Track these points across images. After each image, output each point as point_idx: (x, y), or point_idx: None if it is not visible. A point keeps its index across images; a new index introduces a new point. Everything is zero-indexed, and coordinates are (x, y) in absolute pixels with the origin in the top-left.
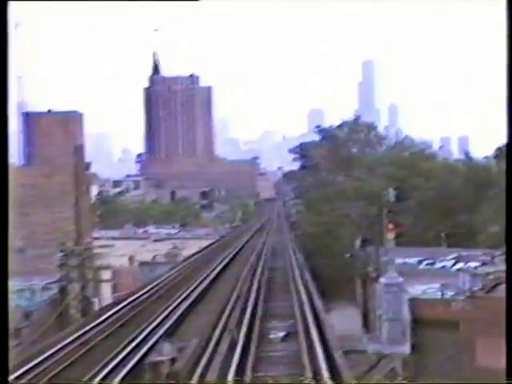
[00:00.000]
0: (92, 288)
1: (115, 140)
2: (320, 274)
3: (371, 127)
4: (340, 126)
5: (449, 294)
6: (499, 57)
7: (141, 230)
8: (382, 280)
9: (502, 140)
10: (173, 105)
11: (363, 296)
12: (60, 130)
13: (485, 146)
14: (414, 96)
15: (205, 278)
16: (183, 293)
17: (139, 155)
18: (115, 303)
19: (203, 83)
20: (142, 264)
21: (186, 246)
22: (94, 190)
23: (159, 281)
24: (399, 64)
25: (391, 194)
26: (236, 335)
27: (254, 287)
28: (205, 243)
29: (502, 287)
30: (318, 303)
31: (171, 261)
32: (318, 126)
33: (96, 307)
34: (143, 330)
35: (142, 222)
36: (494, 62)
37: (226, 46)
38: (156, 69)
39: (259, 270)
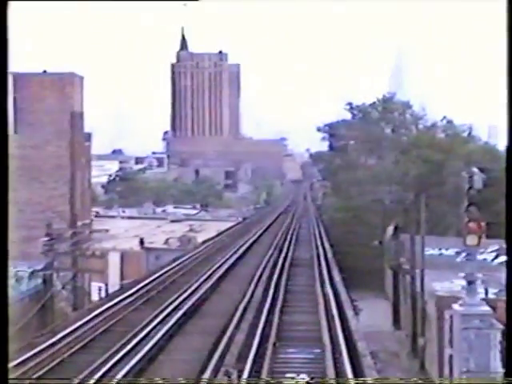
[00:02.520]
0: (89, 276)
1: (144, 117)
2: (346, 263)
3: (407, 106)
4: (373, 104)
5: (491, 291)
6: None
7: (160, 209)
8: (458, 308)
9: None
10: (200, 81)
11: (394, 289)
12: (55, 93)
13: None
14: (443, 83)
15: (210, 276)
16: (176, 299)
17: (166, 132)
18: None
19: (231, 61)
20: (148, 250)
21: (204, 229)
22: (115, 166)
23: (156, 276)
24: (430, 52)
25: (477, 178)
26: (235, 379)
27: (270, 293)
28: (225, 225)
29: None
30: (353, 320)
31: (183, 246)
32: (349, 103)
33: (96, 297)
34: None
35: (162, 201)
36: None
37: (255, 25)
38: (184, 44)
39: (279, 265)
